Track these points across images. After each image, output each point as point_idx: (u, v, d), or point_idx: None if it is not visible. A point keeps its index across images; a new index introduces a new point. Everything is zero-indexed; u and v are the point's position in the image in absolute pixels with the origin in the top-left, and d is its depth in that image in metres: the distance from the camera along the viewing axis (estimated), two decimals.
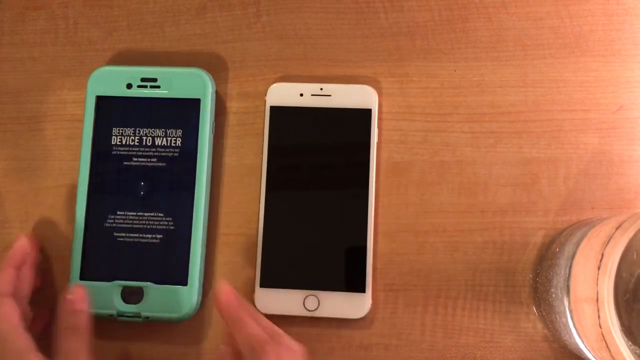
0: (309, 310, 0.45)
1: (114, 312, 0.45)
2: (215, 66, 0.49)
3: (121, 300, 0.45)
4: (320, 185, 0.46)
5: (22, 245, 0.44)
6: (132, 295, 0.45)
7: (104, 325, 0.44)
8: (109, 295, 0.45)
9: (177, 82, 0.47)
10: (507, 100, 0.47)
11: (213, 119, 0.47)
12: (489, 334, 0.45)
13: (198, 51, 0.49)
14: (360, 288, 0.45)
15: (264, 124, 0.47)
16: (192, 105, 0.46)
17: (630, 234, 0.33)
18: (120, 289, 0.45)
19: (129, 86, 0.47)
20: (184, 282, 0.45)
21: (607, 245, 0.34)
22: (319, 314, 0.45)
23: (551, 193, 0.46)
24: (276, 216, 0.46)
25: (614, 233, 0.34)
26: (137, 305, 0.45)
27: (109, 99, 0.47)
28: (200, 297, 0.45)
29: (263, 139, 0.47)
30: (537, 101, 0.47)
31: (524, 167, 0.46)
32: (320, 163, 0.47)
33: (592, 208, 0.46)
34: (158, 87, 0.47)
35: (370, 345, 0.45)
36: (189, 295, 0.45)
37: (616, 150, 0.46)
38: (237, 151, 0.48)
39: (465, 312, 0.45)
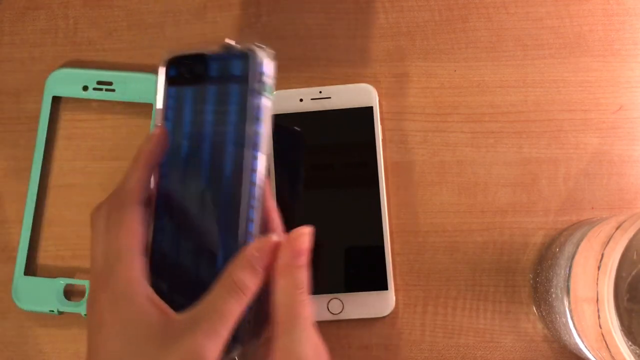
0: (333, 314, 0.45)
1: (54, 308, 0.46)
2: None
3: (63, 298, 0.46)
4: (330, 188, 0.46)
5: (158, 138, 0.35)
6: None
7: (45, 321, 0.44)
8: (52, 292, 0.46)
9: (131, 87, 0.48)
10: (507, 100, 0.47)
11: None
12: (489, 334, 0.45)
13: None
14: (383, 286, 0.45)
15: None
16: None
17: (630, 234, 0.33)
18: (62, 286, 0.46)
19: (85, 88, 0.48)
20: None
21: (607, 245, 0.34)
22: (344, 316, 0.45)
23: (551, 193, 0.46)
24: (290, 222, 0.46)
25: (614, 233, 0.34)
26: None
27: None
28: None
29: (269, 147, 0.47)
30: (537, 101, 0.47)
31: (524, 167, 0.46)
32: (328, 166, 0.46)
33: (592, 208, 0.46)
34: (113, 90, 0.48)
35: (370, 345, 0.45)
36: None
37: (616, 150, 0.46)
38: None
39: (465, 312, 0.45)
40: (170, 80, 0.36)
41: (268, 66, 0.35)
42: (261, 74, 0.35)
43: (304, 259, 0.32)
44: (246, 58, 0.35)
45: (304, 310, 0.31)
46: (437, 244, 0.46)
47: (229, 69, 0.35)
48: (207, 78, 0.35)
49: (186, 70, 0.36)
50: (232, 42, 0.35)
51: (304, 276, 0.32)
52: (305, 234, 0.33)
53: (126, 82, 0.48)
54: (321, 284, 0.45)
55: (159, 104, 0.36)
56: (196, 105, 0.35)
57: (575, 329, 0.37)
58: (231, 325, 0.30)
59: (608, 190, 0.46)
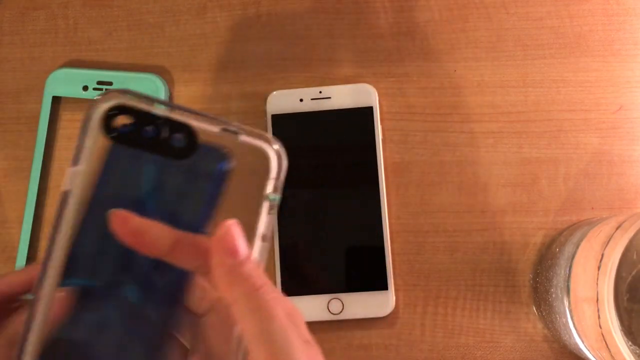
0: (333, 314, 0.45)
1: None
2: (215, 66, 0.49)
3: None
4: (330, 188, 0.46)
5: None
6: None
7: None
8: None
9: (131, 87, 0.47)
10: (507, 100, 0.47)
11: None
12: (489, 334, 0.45)
13: (198, 51, 0.49)
14: (383, 286, 0.45)
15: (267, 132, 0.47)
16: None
17: (630, 234, 0.33)
18: None
19: (85, 88, 0.48)
20: None
21: (607, 245, 0.34)
22: (344, 316, 0.45)
23: (551, 193, 0.46)
24: (290, 223, 0.46)
25: (614, 233, 0.34)
26: None
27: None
28: None
29: None
30: (537, 101, 0.47)
31: (524, 167, 0.46)
32: (328, 166, 0.46)
33: (592, 208, 0.46)
34: None
35: (370, 345, 0.45)
36: None
37: (616, 150, 0.46)
38: None
39: (465, 312, 0.45)
40: (113, 136, 0.26)
41: (284, 167, 0.27)
42: (277, 179, 0.27)
43: (244, 252, 0.26)
44: (262, 157, 0.27)
45: (276, 310, 0.25)
46: (437, 244, 0.46)
47: (224, 156, 0.27)
48: (180, 152, 0.26)
49: (142, 128, 0.26)
50: (226, 124, 0.27)
51: (254, 271, 0.26)
52: (228, 227, 0.26)
53: (126, 82, 0.48)
54: (321, 284, 0.45)
55: (78, 160, 0.25)
56: (148, 179, 0.27)
57: (575, 329, 0.37)
58: None
59: (608, 190, 0.46)
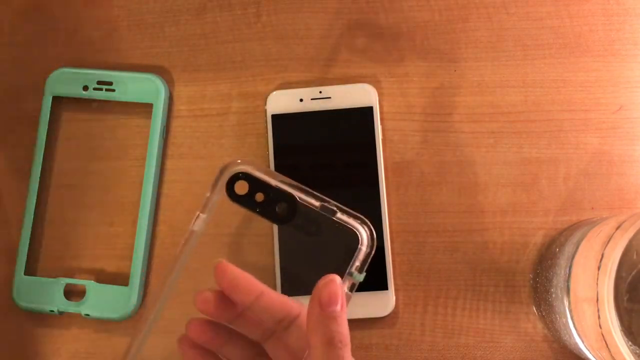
0: None
1: (55, 308, 0.46)
2: (215, 66, 0.49)
3: (63, 297, 0.46)
4: (330, 188, 0.46)
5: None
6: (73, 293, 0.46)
7: (46, 321, 0.46)
8: (52, 292, 0.46)
9: (131, 87, 0.48)
10: (507, 100, 0.47)
11: (164, 123, 0.48)
12: (489, 334, 0.45)
13: (198, 51, 0.49)
14: (383, 286, 0.45)
15: (267, 133, 0.47)
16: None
17: (630, 234, 0.33)
18: (63, 286, 0.46)
19: (85, 88, 0.48)
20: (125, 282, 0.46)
21: (607, 245, 0.34)
22: None
23: (551, 193, 0.46)
24: None
25: (614, 233, 0.34)
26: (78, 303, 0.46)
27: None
28: (140, 298, 0.46)
29: (268, 148, 0.47)
30: (537, 101, 0.47)
31: (524, 167, 0.46)
32: (328, 166, 0.46)
33: (592, 208, 0.46)
34: (113, 90, 0.48)
35: (370, 345, 0.45)
36: (129, 295, 0.45)
37: (616, 150, 0.46)
38: (237, 151, 0.48)
39: (465, 312, 0.45)
40: (232, 196, 0.33)
41: (371, 250, 0.32)
42: (364, 261, 0.32)
43: (337, 307, 0.29)
44: (354, 237, 0.32)
45: None
46: (437, 244, 0.46)
47: (323, 232, 0.32)
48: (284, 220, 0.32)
49: (255, 193, 0.32)
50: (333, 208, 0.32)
51: (339, 328, 0.29)
52: (331, 279, 0.30)
53: (126, 82, 0.48)
54: None
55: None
56: None
57: (575, 329, 0.37)
58: None
59: (608, 190, 0.46)
